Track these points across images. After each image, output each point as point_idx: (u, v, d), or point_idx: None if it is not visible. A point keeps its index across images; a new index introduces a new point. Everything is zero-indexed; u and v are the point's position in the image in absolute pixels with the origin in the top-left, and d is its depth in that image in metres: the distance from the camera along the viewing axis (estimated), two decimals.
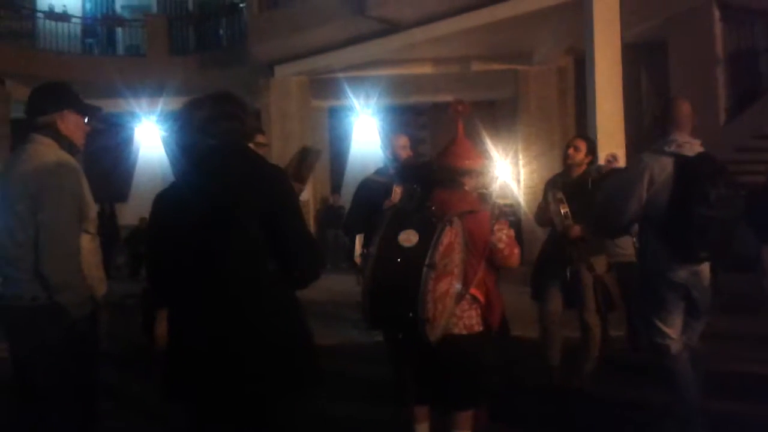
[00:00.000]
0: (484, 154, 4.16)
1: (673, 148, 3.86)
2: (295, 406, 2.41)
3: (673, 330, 3.95)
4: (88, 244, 2.94)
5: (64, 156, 2.89)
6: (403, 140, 4.89)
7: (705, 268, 3.91)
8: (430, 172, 3.48)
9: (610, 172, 5.42)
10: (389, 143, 4.92)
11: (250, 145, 2.71)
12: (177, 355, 2.39)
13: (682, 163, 3.80)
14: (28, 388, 2.87)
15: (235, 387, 2.29)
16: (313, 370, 2.41)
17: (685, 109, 3.98)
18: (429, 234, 2.96)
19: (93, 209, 2.99)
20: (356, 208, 4.89)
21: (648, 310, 4.05)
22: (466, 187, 3.54)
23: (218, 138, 2.40)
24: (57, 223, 2.76)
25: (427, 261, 2.90)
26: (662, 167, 3.83)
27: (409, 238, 2.99)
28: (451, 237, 3.07)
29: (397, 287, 2.96)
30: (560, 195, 4.99)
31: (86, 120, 3.04)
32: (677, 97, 4.12)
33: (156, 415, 4.42)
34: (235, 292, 2.30)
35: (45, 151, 2.86)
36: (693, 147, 3.87)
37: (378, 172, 4.96)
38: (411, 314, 2.90)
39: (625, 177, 4.01)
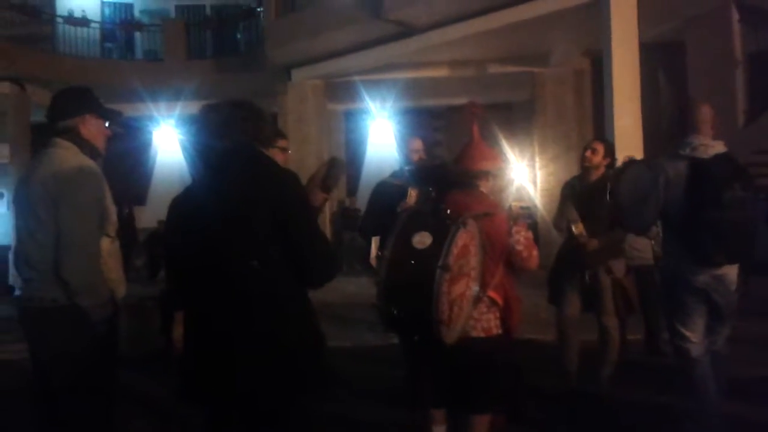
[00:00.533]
0: (500, 156, 4.15)
1: (687, 151, 3.86)
2: (308, 409, 2.42)
3: (694, 334, 3.92)
4: (108, 246, 2.96)
5: (86, 160, 2.92)
6: (417, 144, 4.90)
7: (729, 271, 3.87)
8: (446, 175, 3.47)
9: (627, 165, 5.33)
10: (403, 146, 4.93)
11: (272, 149, 2.72)
12: (191, 357, 2.41)
13: (696, 165, 3.79)
14: (46, 390, 2.90)
15: (245, 389, 2.30)
16: (321, 374, 2.42)
17: (704, 111, 3.96)
18: (443, 236, 2.95)
19: (113, 213, 3.02)
20: (372, 211, 4.90)
21: (669, 313, 4.03)
22: (483, 189, 3.53)
23: (233, 141, 2.42)
24: (78, 226, 2.79)
25: (440, 262, 2.89)
26: (677, 170, 3.83)
27: (422, 240, 2.98)
28: (466, 239, 3.06)
29: (411, 289, 2.96)
30: (575, 215, 4.95)
31: (107, 124, 3.07)
32: (697, 100, 4.10)
33: (174, 417, 4.45)
34: (247, 294, 2.32)
35: (66, 155, 2.89)
36: (709, 149, 3.84)
37: (394, 174, 4.96)
38: (427, 317, 2.89)
39: (641, 181, 3.99)
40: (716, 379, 3.91)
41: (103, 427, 2.98)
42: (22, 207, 2.90)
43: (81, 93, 3.07)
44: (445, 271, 2.89)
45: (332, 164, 2.76)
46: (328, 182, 2.66)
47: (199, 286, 2.39)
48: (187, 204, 2.49)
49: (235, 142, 2.42)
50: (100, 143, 3.03)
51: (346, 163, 3.73)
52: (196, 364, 2.38)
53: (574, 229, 4.88)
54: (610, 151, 5.15)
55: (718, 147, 3.87)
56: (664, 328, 6.42)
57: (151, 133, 18.14)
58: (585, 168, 5.12)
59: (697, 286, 3.85)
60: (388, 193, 4.61)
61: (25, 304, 2.89)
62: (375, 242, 5.27)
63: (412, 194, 4.24)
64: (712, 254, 3.76)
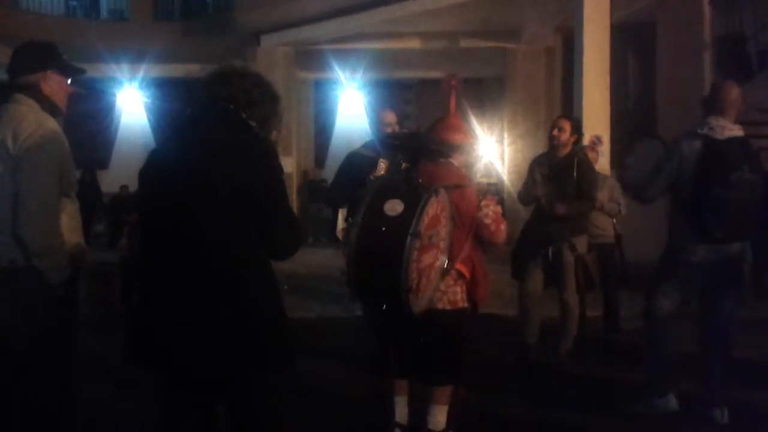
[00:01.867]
0: (473, 130, 4.16)
1: (705, 131, 4.00)
2: (267, 382, 2.40)
3: (668, 301, 4.15)
4: (68, 207, 2.90)
5: (46, 118, 2.84)
6: (390, 116, 4.85)
7: (734, 249, 4.00)
8: (419, 144, 3.46)
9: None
10: (375, 119, 4.88)
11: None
12: (145, 320, 2.36)
13: (709, 144, 3.95)
14: (4, 352, 2.84)
15: (199, 360, 2.27)
16: (282, 351, 2.38)
17: (730, 94, 4.07)
18: (414, 203, 2.94)
19: (74, 173, 2.95)
20: (341, 181, 4.86)
21: (657, 280, 4.23)
22: (455, 162, 3.53)
23: (224, 108, 2.38)
24: (37, 186, 2.72)
25: (411, 230, 2.88)
26: (692, 148, 3.99)
27: (394, 207, 2.96)
28: (437, 209, 3.06)
29: (381, 256, 2.94)
30: (545, 172, 5.01)
31: (69, 82, 2.98)
32: (725, 82, 4.25)
33: (130, 381, 4.40)
34: (209, 264, 2.27)
35: (26, 111, 2.80)
36: (725, 131, 3.97)
37: (365, 145, 4.93)
38: (395, 284, 2.88)
39: (654, 153, 4.18)
40: (719, 362, 4.08)
41: (61, 390, 2.94)
42: None
43: (43, 48, 2.97)
44: (416, 238, 2.87)
45: None
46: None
47: (162, 250, 2.34)
48: (153, 168, 2.43)
49: (220, 110, 2.38)
50: (61, 100, 2.94)
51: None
52: (150, 328, 2.33)
53: (541, 198, 4.94)
54: (577, 129, 5.21)
55: (736, 130, 4.01)
56: (622, 305, 6.59)
57: (114, 95, 17.74)
58: (553, 146, 5.16)
59: (694, 261, 4.02)
60: (358, 163, 4.57)
61: None
62: (342, 213, 5.24)
63: (382, 166, 4.21)
64: (713, 230, 3.93)
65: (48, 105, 2.87)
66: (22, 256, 2.72)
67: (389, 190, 3.06)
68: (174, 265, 2.30)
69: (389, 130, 4.77)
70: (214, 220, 2.27)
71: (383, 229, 2.95)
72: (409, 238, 2.86)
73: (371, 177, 4.17)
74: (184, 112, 2.38)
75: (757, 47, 10.22)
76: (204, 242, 2.27)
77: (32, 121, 2.77)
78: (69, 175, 2.89)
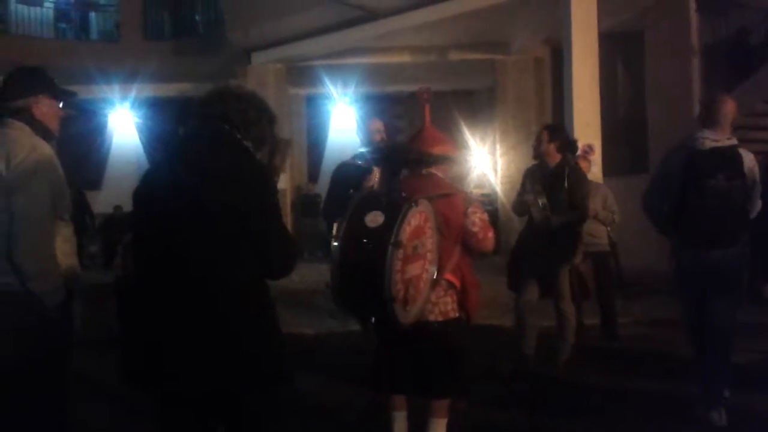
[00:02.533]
0: (454, 141, 4.18)
1: (690, 143, 4.14)
2: (264, 400, 2.39)
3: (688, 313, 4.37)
4: (62, 230, 2.89)
5: (39, 142, 2.84)
6: (377, 124, 4.91)
7: (715, 255, 4.07)
8: (401, 157, 3.47)
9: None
10: (363, 127, 4.94)
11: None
12: (140, 342, 2.35)
13: (690, 155, 4.08)
14: None
15: (194, 380, 2.26)
16: (278, 368, 2.37)
17: (723, 107, 4.16)
18: (395, 214, 2.94)
19: (67, 196, 2.95)
20: (334, 193, 4.86)
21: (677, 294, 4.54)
22: (440, 174, 3.54)
23: (218, 128, 2.38)
24: (31, 209, 2.72)
25: (392, 240, 2.88)
26: (679, 159, 4.14)
27: (375, 218, 2.97)
28: (419, 219, 3.06)
29: (364, 268, 2.94)
30: (539, 186, 5.01)
31: (61, 106, 2.99)
32: (718, 96, 4.37)
33: (127, 402, 4.38)
34: (202, 284, 2.27)
35: (19, 136, 2.81)
36: (707, 142, 4.07)
37: (356, 156, 4.95)
38: (377, 294, 2.88)
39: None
40: (716, 365, 4.15)
41: (56, 412, 2.92)
42: None
43: (34, 73, 2.99)
44: (397, 248, 2.87)
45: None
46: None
47: (156, 272, 2.34)
48: (150, 189, 2.42)
49: (215, 130, 2.38)
50: (53, 124, 2.95)
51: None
52: (146, 350, 2.32)
53: (539, 201, 4.94)
54: (556, 136, 5.19)
55: (723, 140, 4.10)
56: (619, 313, 6.59)
57: (106, 116, 17.73)
58: (537, 157, 5.20)
59: (685, 266, 4.22)
60: (349, 174, 4.59)
61: None
62: (335, 226, 5.24)
63: (376, 172, 4.22)
64: (692, 237, 4.13)
65: (40, 129, 2.88)
66: (17, 280, 2.71)
67: (370, 202, 3.07)
68: (168, 286, 2.30)
69: (378, 137, 4.82)
70: (208, 241, 2.27)
71: (365, 240, 2.96)
72: (390, 248, 2.86)
73: (365, 183, 4.20)
74: (177, 132, 2.38)
75: (745, 52, 10.29)
76: (198, 263, 2.27)
77: (25, 145, 2.78)
78: (63, 198, 2.89)
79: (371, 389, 3.82)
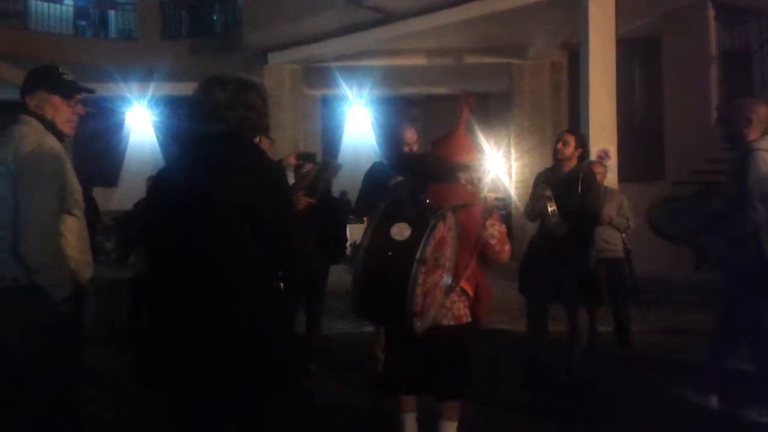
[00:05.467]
0: (477, 148, 4.15)
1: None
2: (276, 400, 2.39)
3: None
4: (73, 225, 2.92)
5: (47, 138, 2.88)
6: (412, 134, 4.76)
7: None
8: (426, 165, 3.45)
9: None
10: (396, 136, 4.79)
11: (261, 137, 2.65)
12: (155, 341, 2.37)
13: None
14: (8, 371, 2.85)
15: (206, 379, 2.27)
16: (290, 368, 2.38)
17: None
18: (422, 228, 2.94)
19: (77, 191, 2.97)
20: (367, 191, 4.79)
21: None
22: (462, 181, 3.53)
23: (225, 126, 2.38)
24: (34, 201, 2.75)
25: (417, 255, 2.87)
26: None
27: (401, 231, 2.96)
28: (443, 231, 3.06)
29: (387, 280, 2.93)
30: (548, 192, 4.98)
31: (76, 104, 3.02)
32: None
33: (140, 399, 4.40)
34: (216, 282, 2.28)
35: (28, 131, 2.86)
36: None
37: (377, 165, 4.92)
38: (400, 308, 2.87)
39: None
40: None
41: (67, 408, 2.94)
42: None
43: (48, 72, 3.03)
44: (423, 264, 2.87)
45: (325, 166, 2.64)
46: (318, 184, 2.59)
47: (169, 270, 2.35)
48: (164, 187, 2.44)
49: (226, 127, 2.39)
50: (63, 124, 2.98)
51: (341, 166, 3.74)
52: (161, 349, 2.33)
53: (548, 207, 4.89)
54: (581, 143, 5.18)
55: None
56: (633, 320, 6.54)
57: (123, 113, 17.87)
58: (558, 160, 5.15)
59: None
60: (381, 172, 4.58)
61: None
62: (350, 230, 5.22)
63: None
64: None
65: (51, 126, 2.93)
66: (25, 275, 2.74)
67: (396, 212, 3.05)
68: (181, 284, 2.31)
69: (407, 149, 4.69)
70: (220, 239, 2.28)
71: (390, 253, 2.94)
72: (415, 264, 2.85)
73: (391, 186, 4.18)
74: (188, 129, 2.39)
75: (764, 61, 10.22)
76: (211, 260, 2.28)
77: (32, 140, 2.82)
78: (72, 192, 2.91)
79: (382, 390, 3.82)
